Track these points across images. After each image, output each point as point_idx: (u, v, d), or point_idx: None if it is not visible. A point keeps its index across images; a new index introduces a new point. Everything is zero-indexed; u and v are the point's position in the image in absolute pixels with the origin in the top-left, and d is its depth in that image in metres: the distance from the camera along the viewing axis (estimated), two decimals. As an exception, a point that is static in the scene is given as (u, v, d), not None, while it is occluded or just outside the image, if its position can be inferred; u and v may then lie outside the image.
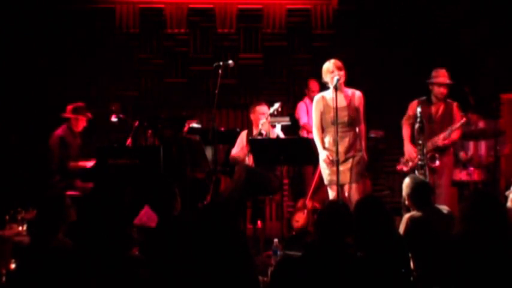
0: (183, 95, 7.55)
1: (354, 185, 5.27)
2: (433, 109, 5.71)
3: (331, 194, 5.38)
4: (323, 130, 5.39)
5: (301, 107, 7.03)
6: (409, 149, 5.71)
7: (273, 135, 5.97)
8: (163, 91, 7.60)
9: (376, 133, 6.75)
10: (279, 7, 7.69)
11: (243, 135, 6.34)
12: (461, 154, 6.85)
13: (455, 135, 5.69)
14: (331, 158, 5.25)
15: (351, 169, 5.26)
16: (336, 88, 5.15)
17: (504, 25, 7.45)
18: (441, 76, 5.69)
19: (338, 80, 5.16)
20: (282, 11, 7.70)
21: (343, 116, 5.24)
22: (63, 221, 3.68)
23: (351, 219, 3.30)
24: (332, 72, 5.24)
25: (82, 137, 6.36)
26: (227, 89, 7.01)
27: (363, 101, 5.38)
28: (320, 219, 3.36)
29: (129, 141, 6.02)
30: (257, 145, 5.57)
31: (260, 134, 5.99)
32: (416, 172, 5.45)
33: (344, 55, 5.41)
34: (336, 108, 5.11)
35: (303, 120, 6.92)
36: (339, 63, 5.26)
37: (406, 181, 4.23)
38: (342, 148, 5.21)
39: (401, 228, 4.01)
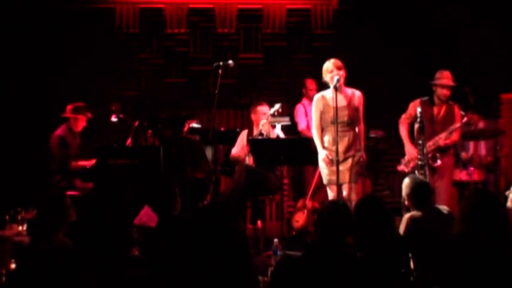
0: (183, 95, 7.55)
1: (352, 185, 5.27)
2: (435, 110, 5.70)
3: (330, 194, 5.39)
4: (322, 129, 5.39)
5: (299, 110, 7.01)
6: (410, 150, 5.70)
7: (273, 136, 5.98)
8: (163, 91, 7.60)
9: (376, 133, 6.75)
10: (279, 7, 7.69)
11: (244, 134, 6.34)
12: (462, 154, 6.85)
13: (455, 136, 5.69)
14: (330, 157, 5.25)
15: (350, 169, 5.28)
16: (335, 88, 5.16)
17: (504, 25, 7.45)
18: (445, 78, 5.68)
19: (338, 80, 5.17)
20: (282, 11, 7.70)
21: (343, 116, 5.25)
22: (63, 221, 3.69)
23: (351, 219, 3.30)
24: (332, 71, 5.24)
25: (82, 137, 6.36)
26: (227, 89, 7.01)
27: (362, 100, 5.39)
28: (320, 219, 3.36)
29: (129, 141, 6.02)
30: (257, 145, 5.58)
31: (261, 134, 5.99)
32: (416, 172, 5.46)
33: (344, 55, 5.41)
34: (336, 108, 5.12)
35: (301, 125, 6.90)
36: (339, 63, 5.26)
37: (406, 181, 4.23)
38: (341, 148, 5.22)
39: (401, 228, 4.01)
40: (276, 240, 4.73)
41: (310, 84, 6.99)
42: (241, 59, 7.58)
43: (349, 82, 5.40)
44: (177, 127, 6.03)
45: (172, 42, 7.64)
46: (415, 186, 4.15)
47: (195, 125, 6.17)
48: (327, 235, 3.19)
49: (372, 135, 6.68)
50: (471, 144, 7.01)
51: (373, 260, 3.27)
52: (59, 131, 6.19)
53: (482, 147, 7.04)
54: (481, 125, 6.89)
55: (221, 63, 5.83)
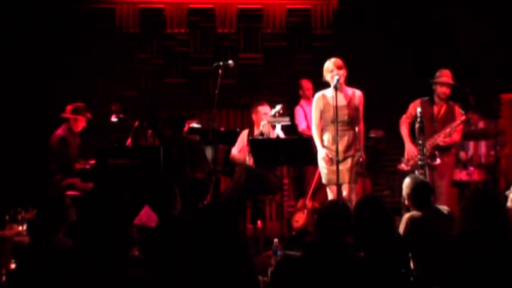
0: (183, 95, 7.55)
1: (352, 185, 5.27)
2: (436, 109, 5.70)
3: (330, 194, 5.39)
4: (322, 128, 5.39)
5: (298, 112, 6.99)
6: (409, 148, 5.70)
7: (273, 136, 5.98)
8: (163, 91, 7.59)
9: (376, 133, 6.75)
10: (279, 7, 7.69)
11: (244, 134, 6.35)
12: (462, 154, 6.85)
13: (456, 136, 5.68)
14: (329, 155, 5.25)
15: (349, 169, 5.27)
16: (335, 88, 5.16)
17: (504, 25, 7.45)
18: (444, 76, 5.69)
19: (338, 80, 5.17)
20: (282, 11, 7.69)
21: (343, 115, 5.25)
22: (63, 221, 3.69)
23: (350, 219, 3.30)
24: (332, 71, 5.25)
25: (82, 137, 6.37)
26: (227, 89, 7.01)
27: (363, 100, 5.39)
28: (320, 219, 3.37)
29: (129, 141, 6.02)
30: (257, 145, 5.58)
31: (261, 134, 6.00)
32: (416, 172, 5.46)
33: (344, 55, 5.41)
34: (336, 107, 5.12)
35: (301, 126, 6.89)
36: (339, 63, 5.26)
37: (406, 181, 4.23)
38: (341, 147, 5.21)
39: (401, 228, 4.01)
40: (276, 240, 4.73)
41: (306, 84, 7.00)
42: (241, 59, 7.58)
43: (349, 82, 5.40)
44: (177, 127, 6.02)
45: (172, 42, 7.64)
46: (415, 186, 4.15)
47: (195, 125, 6.16)
48: (327, 235, 3.19)
49: (372, 135, 6.68)
50: (471, 144, 7.02)
51: (373, 260, 3.27)
52: (59, 131, 6.20)
53: (482, 147, 7.04)
54: (481, 125, 6.89)
55: (221, 63, 5.83)
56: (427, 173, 5.47)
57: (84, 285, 3.07)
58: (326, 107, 5.33)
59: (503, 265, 3.05)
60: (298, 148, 5.45)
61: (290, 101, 7.42)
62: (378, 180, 7.46)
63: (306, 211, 6.41)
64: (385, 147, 7.29)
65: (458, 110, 5.70)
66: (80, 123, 6.28)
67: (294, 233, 6.39)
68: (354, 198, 5.21)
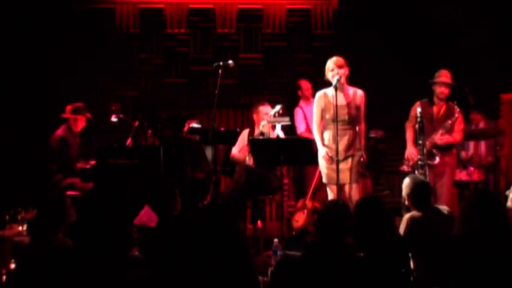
0: (183, 95, 7.55)
1: (354, 185, 5.26)
2: (435, 109, 5.71)
3: (330, 194, 5.38)
4: (323, 127, 5.39)
5: (298, 114, 6.96)
6: (410, 149, 5.72)
7: (273, 136, 5.98)
8: (163, 91, 7.60)
9: (376, 133, 6.75)
10: (279, 7, 7.69)
11: (245, 134, 6.35)
12: (463, 154, 6.86)
13: (457, 136, 5.68)
14: (330, 154, 5.24)
15: (350, 169, 5.26)
16: (335, 88, 5.15)
17: (504, 25, 7.45)
18: (443, 76, 5.70)
19: (338, 80, 5.17)
20: (282, 11, 7.70)
21: (343, 114, 5.24)
22: (63, 221, 3.69)
23: (350, 219, 3.30)
24: (332, 70, 5.24)
25: (82, 137, 6.37)
26: (227, 89, 7.01)
27: (364, 100, 5.38)
28: (320, 219, 3.36)
29: (129, 141, 6.02)
30: (257, 145, 5.58)
31: (261, 134, 6.00)
32: (416, 172, 5.46)
33: (344, 55, 5.40)
34: (336, 107, 5.11)
35: (299, 129, 6.87)
36: (340, 62, 5.25)
37: (406, 181, 4.23)
38: (341, 146, 5.21)
39: (401, 228, 4.02)
40: (276, 240, 4.73)
41: (305, 84, 7.00)
42: (241, 59, 7.58)
43: (350, 82, 5.40)
44: (177, 127, 6.02)
45: (172, 42, 7.64)
46: (416, 186, 4.16)
47: (195, 125, 6.16)
48: (327, 235, 3.19)
49: (372, 135, 6.67)
50: (471, 144, 7.02)
51: (373, 260, 3.27)
52: (59, 131, 6.20)
53: (482, 147, 7.05)
54: (481, 125, 6.90)
55: (221, 63, 5.83)
56: (427, 173, 5.47)
57: (84, 285, 3.07)
58: (327, 106, 5.33)
59: (503, 265, 3.05)
60: (298, 148, 5.45)
61: (290, 101, 7.42)
62: (378, 180, 7.46)
63: (306, 211, 6.41)
64: (385, 147, 7.30)
65: (458, 111, 5.70)
66: (80, 123, 6.29)
67: (294, 233, 6.39)
68: (355, 198, 5.19)
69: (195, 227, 3.28)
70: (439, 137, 5.58)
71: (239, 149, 6.34)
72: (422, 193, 4.15)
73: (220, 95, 5.72)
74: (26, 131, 7.06)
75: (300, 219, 6.43)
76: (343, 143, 5.24)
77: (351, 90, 5.37)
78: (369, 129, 6.24)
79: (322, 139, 5.37)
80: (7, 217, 4.88)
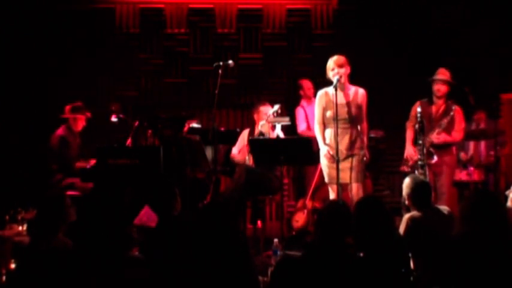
0: (183, 95, 7.55)
1: (357, 185, 5.24)
2: (434, 109, 5.71)
3: (332, 193, 5.37)
4: (325, 125, 5.38)
5: (299, 113, 6.95)
6: (408, 150, 5.72)
7: (273, 136, 5.98)
8: (163, 91, 7.60)
9: (376, 133, 6.75)
10: (279, 7, 7.69)
11: (245, 134, 6.36)
12: (462, 154, 6.86)
13: (457, 135, 5.67)
14: (331, 152, 5.23)
15: (352, 168, 5.24)
16: (335, 87, 5.15)
17: (504, 25, 7.45)
18: (440, 74, 5.70)
19: (338, 80, 5.16)
20: (282, 11, 7.70)
21: (344, 113, 5.23)
22: (63, 221, 3.69)
23: (351, 219, 3.30)
24: (333, 69, 5.24)
25: (82, 137, 6.37)
26: (227, 89, 7.01)
27: (365, 99, 5.37)
28: (320, 219, 3.36)
29: (129, 141, 6.02)
30: (257, 145, 5.57)
31: (261, 134, 6.00)
32: (416, 172, 5.46)
33: (344, 55, 5.40)
34: (336, 105, 5.11)
35: (300, 127, 6.86)
36: (340, 61, 5.24)
37: (406, 181, 4.23)
38: (342, 145, 5.20)
39: (401, 228, 4.01)
40: (276, 240, 4.73)
41: (306, 83, 6.99)
42: (241, 59, 7.58)
43: (350, 82, 5.39)
44: (177, 127, 6.02)
45: (172, 42, 7.64)
46: (416, 186, 4.15)
47: (195, 125, 6.17)
48: (327, 235, 3.19)
49: (372, 135, 6.67)
50: (471, 144, 7.02)
51: (373, 260, 3.27)
52: (59, 131, 6.20)
53: (482, 147, 7.05)
54: (482, 125, 6.90)
55: (221, 63, 5.83)
56: (427, 172, 5.47)
57: (84, 285, 3.07)
58: (328, 105, 5.32)
59: (503, 265, 3.05)
60: (298, 148, 5.44)
61: (290, 101, 7.42)
62: (378, 180, 7.46)
63: (306, 211, 6.41)
64: (385, 147, 7.30)
65: (458, 109, 5.69)
66: (80, 123, 6.29)
67: (294, 233, 6.39)
68: (359, 197, 5.16)
69: (195, 227, 3.28)
70: (436, 136, 5.58)
71: (239, 149, 6.34)
72: (422, 193, 4.15)
73: (220, 95, 5.72)
74: (26, 131, 7.06)
75: (300, 219, 6.43)
76: (344, 142, 5.24)
77: (352, 89, 5.36)
78: (368, 129, 6.24)
79: (324, 138, 5.36)
80: (7, 217, 4.88)
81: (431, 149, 5.55)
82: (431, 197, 4.27)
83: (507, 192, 4.54)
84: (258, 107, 6.29)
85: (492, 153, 6.74)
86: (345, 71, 5.25)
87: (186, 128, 6.04)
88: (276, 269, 3.32)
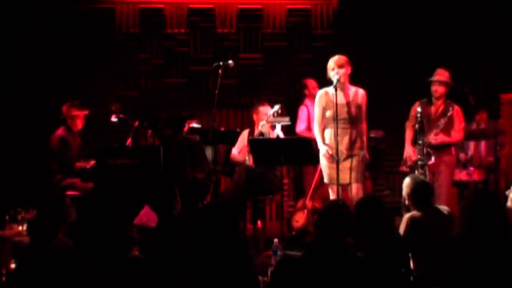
0: (183, 95, 7.55)
1: (357, 185, 5.24)
2: (433, 109, 5.71)
3: (332, 194, 5.37)
4: (325, 126, 5.38)
5: (302, 112, 6.91)
6: (408, 150, 5.73)
7: (273, 136, 5.98)
8: (163, 91, 7.60)
9: (376, 133, 6.75)
10: (279, 7, 7.69)
11: (245, 134, 6.36)
12: (461, 155, 6.86)
13: (457, 135, 5.68)
14: (330, 152, 5.23)
15: (352, 168, 5.24)
16: (335, 88, 5.15)
17: (504, 25, 7.45)
18: (438, 74, 5.70)
19: (338, 80, 5.17)
20: (282, 11, 7.69)
21: (344, 113, 5.24)
22: (63, 221, 3.68)
23: (351, 219, 3.30)
24: (333, 69, 5.25)
25: (82, 137, 6.37)
26: (227, 89, 7.01)
27: (365, 99, 5.37)
28: (320, 219, 3.36)
29: (129, 141, 6.02)
30: (257, 145, 5.58)
31: (261, 134, 6.00)
32: (416, 172, 5.46)
33: (345, 55, 5.40)
34: (336, 105, 5.11)
35: (299, 127, 6.83)
36: (341, 61, 5.24)
37: (407, 181, 4.23)
38: (342, 145, 5.20)
39: (401, 228, 4.02)
40: (276, 240, 4.73)
41: (311, 83, 6.96)
42: (241, 59, 7.57)
43: (350, 82, 5.39)
44: (177, 127, 6.03)
45: (172, 42, 7.64)
46: (416, 186, 4.15)
47: (195, 125, 6.17)
48: (327, 235, 3.19)
49: (372, 135, 6.67)
50: (471, 144, 7.03)
51: (373, 260, 3.27)
52: (59, 132, 6.20)
53: (482, 147, 7.05)
54: (482, 125, 6.90)
55: (221, 63, 5.83)
56: (427, 172, 5.47)
57: (84, 285, 3.07)
58: (328, 104, 5.32)
59: (503, 265, 3.05)
60: (298, 148, 5.44)
61: (290, 101, 7.42)
62: (378, 180, 7.46)
63: (306, 211, 6.41)
64: (385, 147, 7.29)
65: (458, 109, 5.69)
66: (78, 121, 6.27)
67: (294, 233, 6.39)
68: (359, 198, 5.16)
69: (195, 227, 3.28)
70: (433, 137, 5.58)
71: (239, 149, 6.34)
72: (422, 193, 4.15)
73: (220, 95, 5.73)
74: (26, 131, 7.06)
75: (300, 219, 6.43)
76: (344, 142, 5.24)
77: (352, 89, 5.37)
78: (368, 130, 6.24)
79: (323, 138, 5.36)
80: (7, 217, 4.88)
81: (429, 150, 5.55)
82: (431, 197, 4.27)
83: (507, 192, 4.54)
84: (258, 107, 6.29)
85: (492, 153, 6.74)
86: (345, 71, 5.25)
87: (186, 128, 6.04)
88: (276, 269, 3.32)
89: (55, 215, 3.65)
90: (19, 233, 4.72)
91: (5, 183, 6.75)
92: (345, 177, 5.22)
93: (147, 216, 4.72)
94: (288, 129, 6.43)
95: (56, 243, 3.52)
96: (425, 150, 5.54)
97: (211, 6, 7.65)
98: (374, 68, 7.24)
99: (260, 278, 3.83)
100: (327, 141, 5.33)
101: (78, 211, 3.93)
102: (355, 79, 5.43)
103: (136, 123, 6.01)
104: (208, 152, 5.82)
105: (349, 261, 3.15)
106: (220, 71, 5.74)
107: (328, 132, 5.34)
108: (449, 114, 5.60)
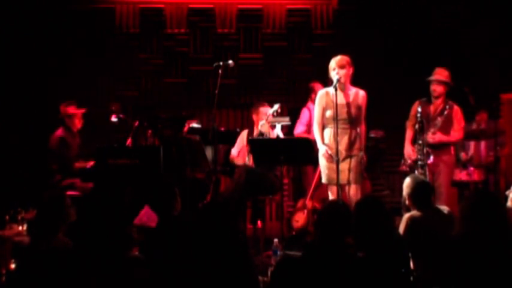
0: (183, 95, 7.55)
1: (355, 186, 5.24)
2: (432, 108, 5.71)
3: (331, 195, 5.37)
4: (324, 126, 5.38)
5: (304, 115, 6.88)
6: (408, 150, 5.73)
7: (272, 136, 5.98)
8: (163, 91, 7.60)
9: (376, 133, 6.75)
10: (279, 7, 7.69)
11: (244, 134, 6.35)
12: (462, 154, 6.86)
13: (457, 135, 5.67)
14: (329, 152, 5.23)
15: (351, 169, 5.25)
16: (335, 88, 5.15)
17: (504, 25, 7.45)
18: (436, 74, 5.69)
19: (338, 80, 5.17)
20: (282, 11, 7.69)
21: (343, 113, 5.23)
22: (63, 221, 3.69)
23: (350, 219, 3.30)
24: (334, 69, 5.25)
25: (82, 137, 6.36)
26: (227, 89, 7.01)
27: (365, 100, 5.37)
28: (320, 219, 3.36)
29: (129, 141, 6.02)
30: (257, 145, 5.58)
31: (261, 134, 6.00)
32: (416, 172, 5.46)
33: (348, 55, 5.40)
34: (336, 105, 5.11)
35: (297, 129, 6.82)
36: (342, 62, 5.24)
37: (407, 181, 4.23)
38: (342, 146, 5.20)
39: (401, 228, 4.02)
40: (276, 240, 4.73)
41: (318, 87, 6.87)
42: (241, 59, 7.57)
43: (350, 82, 5.39)
44: (177, 127, 6.03)
45: (172, 42, 7.64)
46: (416, 186, 4.15)
47: (195, 125, 6.17)
48: (327, 235, 3.19)
49: (372, 135, 6.67)
50: (471, 144, 7.02)
51: (373, 260, 3.27)
52: (58, 132, 6.20)
53: (482, 147, 7.05)
54: (483, 125, 6.90)
55: (221, 63, 5.83)
56: (427, 172, 5.47)
57: (84, 285, 3.07)
58: (328, 105, 5.32)
59: (503, 265, 3.05)
60: (298, 148, 5.44)
61: (290, 100, 7.42)
62: (378, 180, 7.46)
63: (306, 211, 6.41)
64: (385, 148, 7.29)
65: (457, 109, 5.69)
66: (77, 120, 6.26)
67: (294, 233, 6.39)
68: (356, 198, 5.16)
69: (195, 227, 3.28)
70: (431, 136, 5.58)
71: (238, 150, 6.34)
72: (423, 193, 4.15)
73: (220, 95, 5.73)
74: (26, 131, 7.06)
75: (300, 219, 6.42)
76: (343, 143, 5.24)
77: (353, 90, 5.36)
78: (368, 130, 6.24)
79: (323, 138, 5.36)
80: (7, 217, 4.88)
81: (427, 149, 5.55)
82: (432, 197, 4.27)
83: (507, 192, 4.54)
84: (258, 107, 6.29)
85: (492, 153, 6.74)
86: (346, 72, 5.25)
87: (186, 128, 6.04)
88: (276, 269, 3.32)
89: (55, 215, 3.66)
90: (19, 233, 4.72)
91: (5, 183, 6.75)
92: (343, 178, 5.22)
93: (147, 216, 4.72)
94: (288, 130, 6.42)
95: (56, 243, 3.52)
96: (425, 150, 5.54)
97: (211, 6, 7.65)
98: (374, 68, 7.24)
99: (260, 278, 3.83)
100: (326, 141, 5.33)
101: (78, 211, 3.94)
102: (355, 79, 5.43)
103: (136, 123, 6.02)
104: (208, 152, 5.83)
105: (349, 261, 3.15)
106: (220, 71, 5.74)
107: (328, 132, 5.34)
108: (446, 112, 5.60)
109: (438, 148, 5.59)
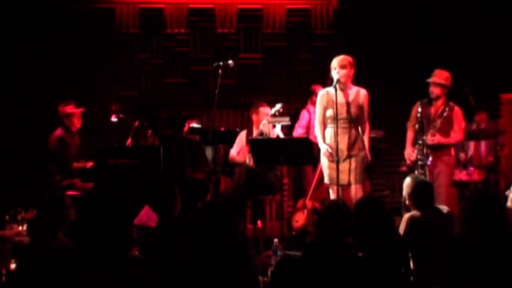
0: (183, 95, 7.55)
1: (356, 186, 5.24)
2: (433, 109, 5.71)
3: (332, 194, 5.37)
4: (325, 125, 5.38)
5: (303, 117, 6.88)
6: (407, 150, 5.73)
7: (273, 136, 5.98)
8: (163, 91, 7.60)
9: (376, 133, 6.74)
10: (279, 7, 7.69)
11: (243, 135, 6.35)
12: (461, 155, 6.86)
13: (457, 136, 5.67)
14: (330, 150, 5.23)
15: (352, 169, 5.24)
16: (335, 88, 5.15)
17: (504, 25, 7.45)
18: (435, 76, 5.69)
19: (338, 80, 5.17)
20: (282, 11, 7.69)
21: (344, 112, 5.23)
22: (63, 221, 3.69)
23: (351, 219, 3.30)
24: (335, 69, 5.25)
25: (82, 137, 6.36)
26: (227, 89, 7.00)
27: (367, 99, 5.36)
28: (320, 219, 3.37)
29: (129, 141, 6.02)
30: (257, 145, 5.57)
31: (261, 134, 6.00)
32: (416, 172, 5.46)
33: (349, 56, 5.40)
34: (336, 105, 5.11)
35: (296, 131, 6.81)
36: (343, 62, 5.23)
37: (407, 181, 4.23)
38: (343, 145, 5.20)
39: (401, 228, 4.02)
40: (276, 240, 4.73)
41: (319, 90, 6.88)
42: (241, 59, 7.57)
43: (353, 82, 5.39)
44: (177, 127, 6.03)
45: (172, 42, 7.63)
46: (417, 186, 4.15)
47: (195, 125, 6.17)
48: (327, 235, 3.19)
49: (372, 135, 6.64)
50: (471, 144, 7.02)
51: (373, 260, 3.27)
52: (57, 132, 6.19)
53: (482, 147, 7.05)
54: (482, 125, 6.90)
55: (221, 63, 5.83)
56: (427, 172, 5.47)
57: (84, 285, 3.07)
58: (329, 104, 5.32)
59: (503, 265, 3.05)
60: (298, 148, 5.44)
61: (290, 101, 7.42)
62: (378, 180, 7.46)
63: (306, 211, 6.41)
64: (385, 148, 7.29)
65: (458, 109, 5.69)
66: (76, 120, 6.25)
67: (294, 233, 6.39)
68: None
69: (195, 227, 3.28)
70: (430, 138, 5.57)
71: (237, 150, 6.34)
72: (423, 193, 4.15)
73: (220, 95, 5.73)
74: (26, 131, 7.06)
75: (300, 219, 6.42)
76: (344, 142, 5.23)
77: (354, 89, 5.36)
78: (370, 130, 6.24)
79: (324, 137, 5.36)
80: (7, 217, 4.88)
81: (426, 150, 5.55)
82: (432, 197, 4.27)
83: (507, 192, 4.55)
84: (258, 107, 6.28)
85: (492, 153, 6.74)
86: (347, 72, 5.24)
87: (186, 128, 6.04)
88: (276, 269, 3.33)
89: (55, 215, 3.66)
90: (19, 233, 4.72)
91: (5, 183, 6.75)
92: (344, 178, 5.22)
93: (147, 216, 4.73)
94: (288, 130, 6.42)
95: (56, 243, 3.52)
96: (425, 151, 5.54)
97: (211, 6, 7.65)
98: (374, 68, 7.23)
99: (260, 278, 3.83)
100: (327, 140, 5.33)
101: (78, 211, 3.94)
102: (355, 79, 5.43)
103: (136, 123, 6.02)
104: (208, 152, 5.83)
105: (349, 261, 3.15)
106: (220, 71, 5.75)
107: (329, 132, 5.34)
108: (445, 114, 5.60)
109: (438, 149, 5.59)
